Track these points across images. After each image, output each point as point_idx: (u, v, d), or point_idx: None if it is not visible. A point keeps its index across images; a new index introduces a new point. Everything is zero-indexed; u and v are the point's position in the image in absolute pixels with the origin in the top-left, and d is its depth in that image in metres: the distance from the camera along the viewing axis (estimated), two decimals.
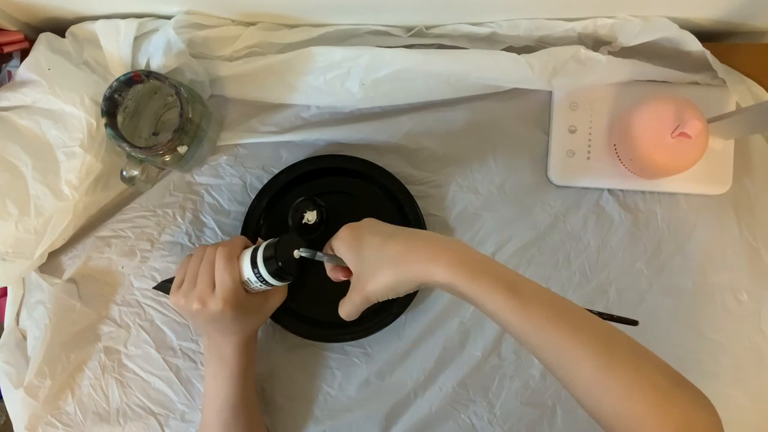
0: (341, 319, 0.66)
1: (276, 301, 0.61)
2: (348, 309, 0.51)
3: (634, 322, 0.50)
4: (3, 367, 0.63)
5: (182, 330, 0.66)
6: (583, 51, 0.64)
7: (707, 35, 0.68)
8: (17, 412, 0.63)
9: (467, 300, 0.45)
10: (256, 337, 0.61)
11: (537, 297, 0.44)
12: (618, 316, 0.50)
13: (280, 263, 0.53)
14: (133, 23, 0.61)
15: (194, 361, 0.66)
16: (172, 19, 0.62)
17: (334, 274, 0.55)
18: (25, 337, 0.66)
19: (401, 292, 0.48)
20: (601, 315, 0.47)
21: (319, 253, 0.54)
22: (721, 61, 0.66)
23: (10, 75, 0.64)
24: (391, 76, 0.65)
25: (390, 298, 0.49)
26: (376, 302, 0.50)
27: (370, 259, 0.49)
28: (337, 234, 0.53)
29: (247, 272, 0.55)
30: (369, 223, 0.52)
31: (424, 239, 0.47)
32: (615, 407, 0.41)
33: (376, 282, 0.47)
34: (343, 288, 0.67)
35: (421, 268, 0.45)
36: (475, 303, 0.45)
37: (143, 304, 0.67)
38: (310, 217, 0.64)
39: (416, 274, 0.46)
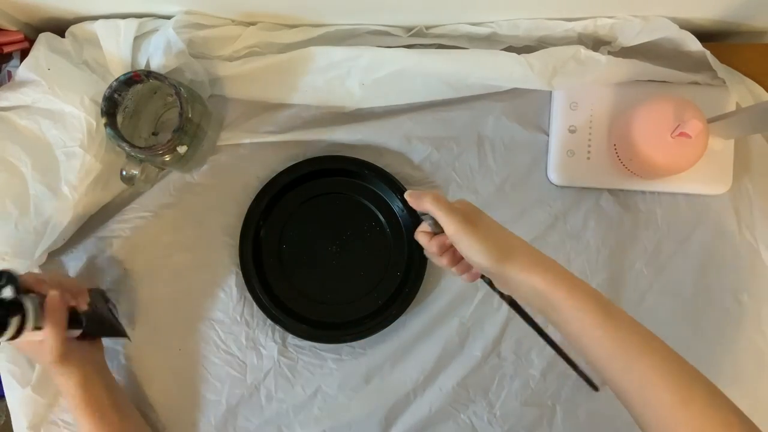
0: (341, 320, 0.66)
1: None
2: (441, 211, 0.48)
3: (595, 388, 0.54)
4: (7, 367, 0.63)
5: (180, 331, 0.66)
6: (583, 51, 0.64)
7: (707, 35, 0.68)
8: (21, 411, 0.63)
9: (553, 314, 0.45)
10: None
11: (628, 323, 0.46)
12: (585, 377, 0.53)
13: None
14: (133, 23, 0.61)
15: (192, 363, 0.66)
16: (172, 19, 0.62)
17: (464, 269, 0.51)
18: None
19: (490, 274, 0.47)
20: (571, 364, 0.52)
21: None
22: (721, 61, 0.66)
23: (10, 75, 0.65)
24: (391, 76, 0.65)
25: (478, 267, 0.47)
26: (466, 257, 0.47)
27: (494, 228, 0.48)
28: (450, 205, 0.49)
29: None
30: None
31: (528, 246, 0.47)
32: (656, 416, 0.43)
33: (474, 241, 0.46)
34: (341, 288, 0.67)
35: (528, 266, 0.45)
36: (564, 318, 0.45)
37: None
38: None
39: (521, 268, 0.45)
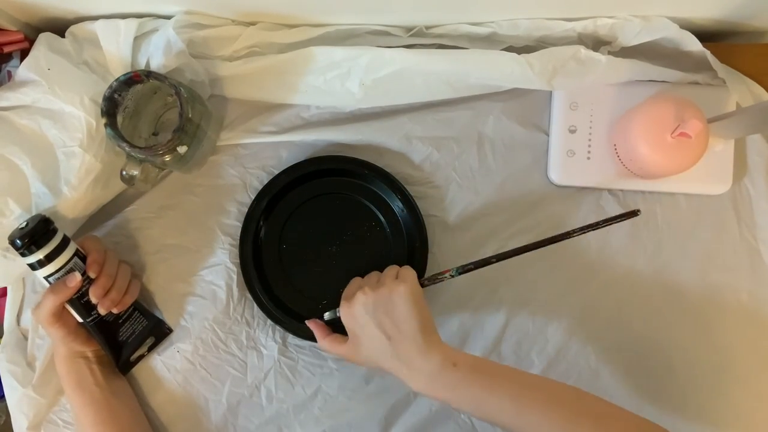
0: (341, 319, 0.66)
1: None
2: (328, 348, 0.59)
3: (635, 213, 0.55)
4: (7, 367, 0.63)
5: (180, 332, 0.66)
6: (583, 51, 0.64)
7: (707, 35, 0.68)
8: (22, 411, 0.63)
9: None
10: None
11: (502, 385, 0.49)
12: (618, 215, 0.55)
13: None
14: (133, 23, 0.61)
15: (193, 364, 0.66)
16: (172, 19, 0.62)
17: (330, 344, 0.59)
18: (26, 337, 0.66)
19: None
20: (599, 223, 0.55)
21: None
22: (721, 61, 0.66)
23: (10, 75, 0.65)
24: (391, 76, 0.65)
25: None
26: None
27: (367, 355, 0.55)
28: (355, 299, 0.55)
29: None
30: (370, 313, 0.54)
31: (409, 364, 0.52)
32: None
33: (366, 365, 0.56)
34: (341, 288, 0.67)
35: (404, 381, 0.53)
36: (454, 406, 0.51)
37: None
38: None
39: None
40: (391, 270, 0.57)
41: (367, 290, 0.54)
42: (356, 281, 0.60)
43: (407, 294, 0.53)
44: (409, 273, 0.56)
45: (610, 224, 0.56)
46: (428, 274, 0.66)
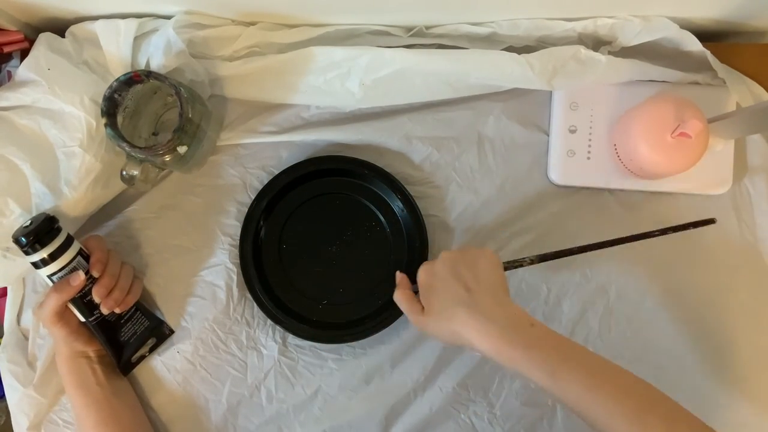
0: (341, 319, 0.66)
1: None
2: (403, 301, 0.57)
3: (711, 221, 0.58)
4: (8, 367, 0.63)
5: (180, 332, 0.66)
6: (583, 51, 0.64)
7: (707, 35, 0.68)
8: (22, 411, 0.63)
9: (510, 371, 0.49)
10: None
11: (575, 359, 0.48)
12: (694, 222, 0.57)
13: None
14: (133, 23, 0.61)
15: (193, 364, 0.66)
16: (172, 19, 0.62)
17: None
18: (26, 337, 0.66)
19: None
20: (677, 228, 0.57)
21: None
22: (721, 61, 0.66)
23: (9, 75, 0.65)
24: (391, 76, 0.65)
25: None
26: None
27: (440, 308, 0.52)
28: (439, 257, 0.55)
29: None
30: (451, 281, 0.53)
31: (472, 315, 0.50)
32: None
33: (430, 331, 0.53)
34: (341, 288, 0.67)
35: (474, 339, 0.49)
36: (519, 374, 0.48)
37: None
38: None
39: (469, 344, 0.50)
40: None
41: (454, 250, 0.55)
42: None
43: (492, 256, 0.54)
44: (490, 250, 0.56)
45: (688, 229, 0.59)
46: None
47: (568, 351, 0.48)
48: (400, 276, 0.61)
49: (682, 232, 0.68)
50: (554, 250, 0.58)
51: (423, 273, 0.56)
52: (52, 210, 0.59)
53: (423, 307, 0.55)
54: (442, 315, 0.51)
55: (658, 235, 0.58)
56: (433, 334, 0.53)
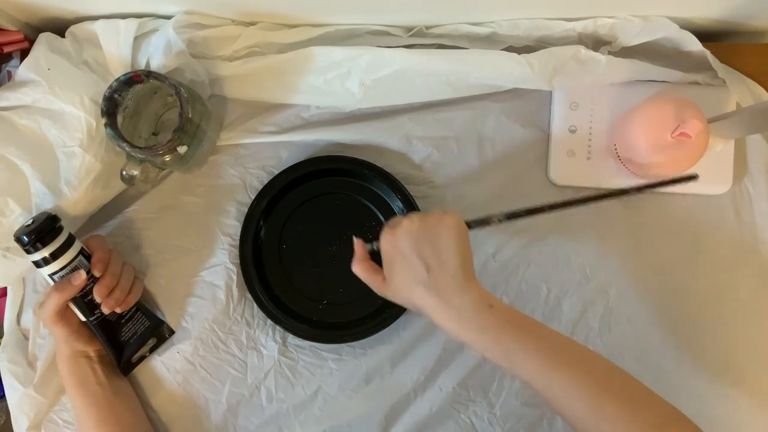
0: (341, 319, 0.66)
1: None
2: (361, 272, 0.56)
3: (693, 177, 0.55)
4: (8, 367, 0.63)
5: (180, 332, 0.66)
6: (583, 51, 0.64)
7: (707, 35, 0.68)
8: (23, 411, 0.63)
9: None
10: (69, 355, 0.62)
11: (532, 340, 0.48)
12: (675, 178, 0.55)
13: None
14: (133, 23, 0.61)
15: (193, 364, 0.66)
16: (172, 19, 0.62)
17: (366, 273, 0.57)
18: (26, 337, 0.66)
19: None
20: (655, 184, 0.54)
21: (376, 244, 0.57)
22: (721, 61, 0.66)
23: (9, 75, 0.65)
24: (391, 76, 0.65)
25: None
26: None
27: (400, 284, 0.52)
28: (400, 225, 0.53)
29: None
30: (415, 244, 0.51)
31: (442, 301, 0.50)
32: None
33: (392, 300, 0.54)
34: (341, 288, 0.67)
35: (430, 318, 0.51)
36: (474, 348, 0.49)
37: None
38: None
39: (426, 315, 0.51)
40: (439, 209, 0.55)
41: (414, 218, 0.52)
42: (399, 217, 0.57)
43: (453, 226, 0.51)
44: (456, 212, 0.53)
45: (668, 186, 0.57)
46: None
47: (526, 332, 0.48)
48: (358, 244, 0.58)
49: (681, 229, 0.68)
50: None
51: (385, 243, 0.53)
52: (52, 210, 0.59)
53: (384, 277, 0.54)
54: (403, 291, 0.52)
55: (635, 192, 0.56)
56: (396, 302, 0.54)
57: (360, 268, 0.56)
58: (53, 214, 0.58)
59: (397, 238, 0.52)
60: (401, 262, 0.51)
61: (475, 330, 0.48)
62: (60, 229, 0.57)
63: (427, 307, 0.50)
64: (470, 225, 0.54)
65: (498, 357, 0.48)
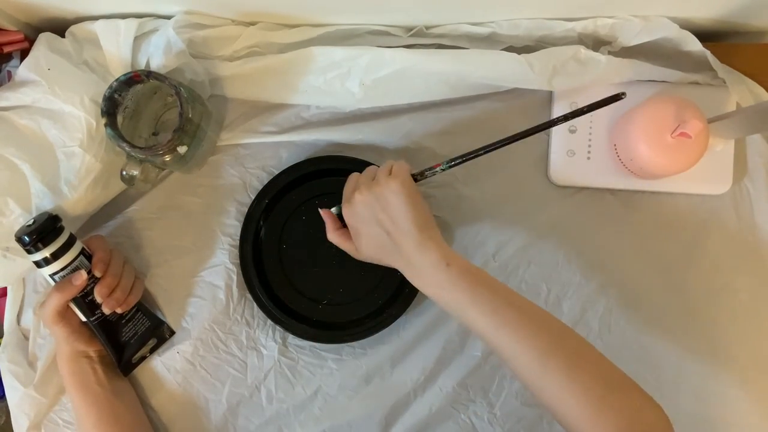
0: (341, 319, 0.66)
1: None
2: (336, 241, 0.59)
3: (619, 96, 0.54)
4: (9, 367, 0.63)
5: (180, 333, 0.66)
6: (583, 51, 0.64)
7: (707, 35, 0.68)
8: (23, 411, 0.63)
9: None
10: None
11: (486, 298, 0.49)
12: (601, 100, 0.54)
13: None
14: (133, 23, 0.61)
15: (193, 364, 0.66)
16: (172, 19, 0.62)
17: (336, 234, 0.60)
18: (26, 337, 0.66)
19: None
20: (583, 109, 0.54)
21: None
22: (721, 61, 0.66)
23: (9, 75, 0.65)
24: (391, 76, 0.65)
25: None
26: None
27: (370, 251, 0.56)
28: (354, 199, 0.55)
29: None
30: (381, 207, 0.54)
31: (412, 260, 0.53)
32: (551, 408, 0.46)
33: (370, 261, 0.57)
34: (341, 288, 0.67)
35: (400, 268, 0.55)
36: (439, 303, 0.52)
37: None
38: None
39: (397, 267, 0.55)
40: (386, 166, 0.56)
41: (363, 189, 0.54)
42: (353, 179, 0.58)
43: (400, 190, 0.53)
44: (401, 169, 0.55)
45: (594, 110, 0.55)
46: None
47: (480, 289, 0.50)
48: (326, 215, 0.61)
49: (681, 229, 0.68)
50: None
51: (348, 217, 0.57)
52: (52, 210, 0.59)
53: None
54: (374, 256, 0.56)
55: (563, 122, 0.55)
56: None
57: (335, 237, 0.59)
58: (54, 214, 0.58)
59: (355, 212, 0.55)
60: (365, 232, 0.55)
61: (433, 287, 0.52)
62: (61, 229, 0.57)
63: (396, 266, 0.54)
64: (416, 178, 0.57)
65: (454, 312, 0.51)
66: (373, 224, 0.54)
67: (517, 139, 0.56)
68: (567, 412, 0.45)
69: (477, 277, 0.51)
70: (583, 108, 0.54)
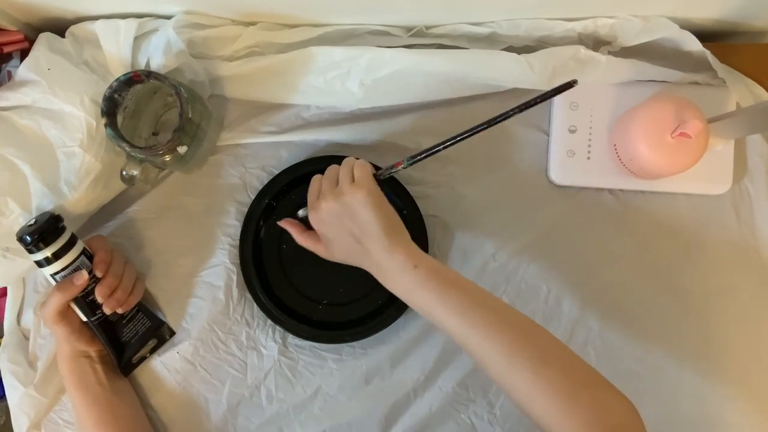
0: (341, 319, 0.66)
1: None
2: (306, 244, 0.60)
3: (571, 84, 0.54)
4: (9, 367, 0.63)
5: (180, 333, 0.66)
6: (583, 51, 0.64)
7: (707, 35, 0.68)
8: (23, 411, 0.63)
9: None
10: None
11: (453, 298, 0.50)
12: (553, 89, 0.54)
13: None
14: (133, 23, 0.61)
15: (193, 364, 0.66)
16: (172, 19, 0.62)
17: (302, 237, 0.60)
18: (26, 337, 0.66)
19: None
20: (537, 99, 0.54)
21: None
22: (721, 61, 0.66)
23: (9, 75, 0.65)
24: (391, 76, 0.65)
25: None
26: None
27: (342, 256, 0.57)
28: (320, 207, 0.55)
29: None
30: (346, 213, 0.54)
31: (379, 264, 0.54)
32: (522, 405, 0.46)
33: (344, 263, 0.57)
34: (341, 288, 0.67)
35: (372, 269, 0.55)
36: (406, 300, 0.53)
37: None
38: None
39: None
40: (346, 169, 0.56)
41: (329, 197, 0.55)
42: (316, 183, 0.59)
43: (366, 199, 0.53)
44: (363, 173, 0.56)
45: (547, 99, 0.55)
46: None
47: (450, 290, 0.50)
48: (288, 224, 0.61)
49: (681, 229, 0.68)
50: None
51: (315, 224, 0.57)
52: (52, 210, 0.59)
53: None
54: (344, 259, 0.57)
55: (518, 112, 0.54)
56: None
57: (303, 240, 0.60)
58: (56, 214, 0.58)
59: (323, 221, 0.56)
60: (335, 240, 0.56)
61: (403, 288, 0.52)
62: (63, 229, 0.57)
63: (367, 269, 0.55)
64: (378, 177, 0.57)
65: (425, 313, 0.52)
66: (342, 231, 0.54)
67: (474, 133, 0.57)
68: (536, 409, 0.45)
69: (445, 278, 0.51)
70: (536, 98, 0.54)
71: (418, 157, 0.58)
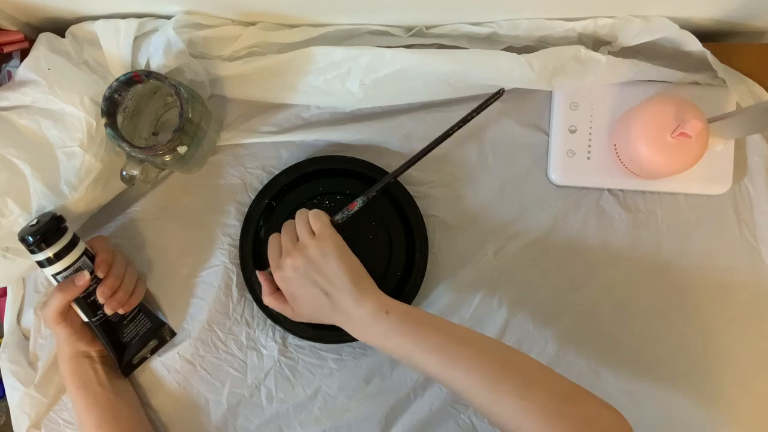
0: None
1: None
2: (273, 305, 0.58)
3: (499, 93, 0.58)
4: (9, 367, 0.63)
5: (180, 333, 0.66)
6: (583, 51, 0.64)
7: (707, 35, 0.68)
8: (23, 410, 0.64)
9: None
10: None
11: (428, 339, 0.50)
12: (486, 100, 0.58)
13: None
14: (133, 23, 0.61)
15: (193, 364, 0.66)
16: (172, 19, 0.62)
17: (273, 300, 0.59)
18: (26, 337, 0.66)
19: None
20: (473, 112, 0.58)
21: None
22: (721, 61, 0.66)
23: (9, 75, 0.65)
24: (391, 76, 0.65)
25: None
26: None
27: (309, 313, 0.56)
28: (285, 265, 0.55)
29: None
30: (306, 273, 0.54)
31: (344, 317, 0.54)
32: (510, 430, 0.46)
33: (309, 321, 0.57)
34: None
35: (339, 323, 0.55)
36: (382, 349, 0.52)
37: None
38: None
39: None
40: (302, 220, 0.57)
41: (293, 253, 0.55)
42: (275, 242, 0.58)
43: (331, 251, 0.54)
44: (321, 223, 0.56)
45: (482, 110, 0.58)
46: (427, 275, 0.66)
47: (422, 331, 0.50)
48: (262, 276, 0.59)
49: (681, 229, 0.68)
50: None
51: (281, 282, 0.57)
52: (52, 210, 0.59)
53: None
54: (314, 316, 0.56)
55: (458, 128, 0.58)
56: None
57: (270, 300, 0.58)
58: (58, 214, 0.58)
59: (289, 279, 0.55)
60: (302, 296, 0.55)
61: (377, 336, 0.52)
62: (65, 230, 0.57)
63: (337, 324, 0.54)
64: (338, 224, 0.59)
65: (402, 358, 0.51)
66: (309, 286, 0.54)
67: (414, 163, 0.59)
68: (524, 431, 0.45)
69: (417, 319, 0.51)
70: (471, 113, 0.57)
71: (372, 193, 0.59)
